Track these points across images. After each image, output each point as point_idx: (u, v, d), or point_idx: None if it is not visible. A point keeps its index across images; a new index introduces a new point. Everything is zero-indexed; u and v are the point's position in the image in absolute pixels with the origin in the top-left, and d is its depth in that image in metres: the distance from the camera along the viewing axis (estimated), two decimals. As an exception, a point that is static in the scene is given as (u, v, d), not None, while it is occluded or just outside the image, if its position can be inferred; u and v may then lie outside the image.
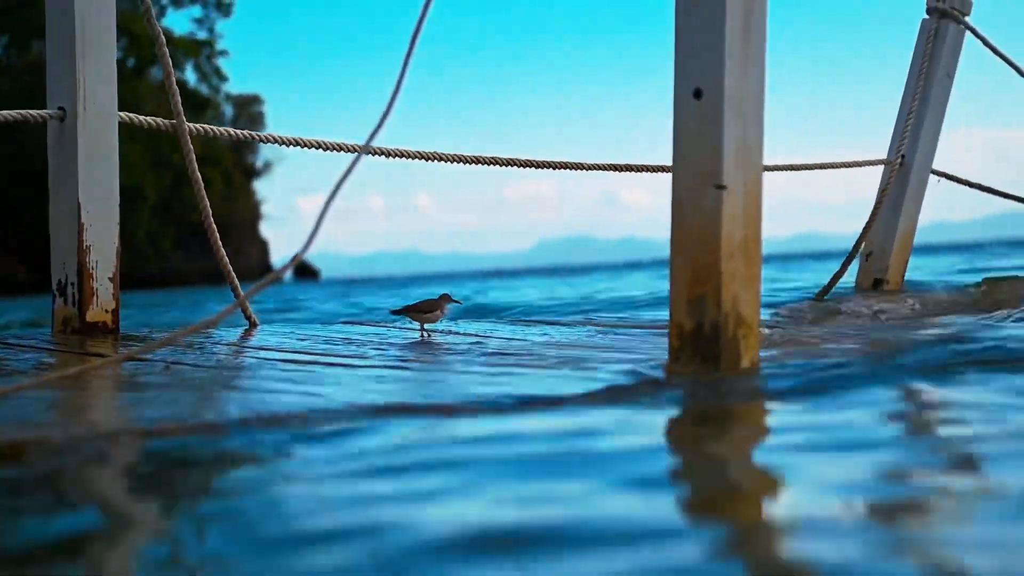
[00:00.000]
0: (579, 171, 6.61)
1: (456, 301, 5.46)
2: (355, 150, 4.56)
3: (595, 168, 6.59)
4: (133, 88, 70.67)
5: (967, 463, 2.64)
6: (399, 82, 3.57)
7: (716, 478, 2.55)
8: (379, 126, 3.52)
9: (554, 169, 6.42)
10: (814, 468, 2.55)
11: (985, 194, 8.93)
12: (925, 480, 2.47)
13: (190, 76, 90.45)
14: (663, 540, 1.99)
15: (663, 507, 2.27)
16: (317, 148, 5.58)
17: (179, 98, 5.40)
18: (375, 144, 5.43)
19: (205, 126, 5.52)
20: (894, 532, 2.05)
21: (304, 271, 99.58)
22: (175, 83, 5.39)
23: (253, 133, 5.65)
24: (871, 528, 2.08)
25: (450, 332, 5.61)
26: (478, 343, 5.20)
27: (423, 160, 5.95)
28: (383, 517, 2.17)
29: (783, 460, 2.66)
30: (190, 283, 69.70)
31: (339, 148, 5.49)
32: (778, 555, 1.94)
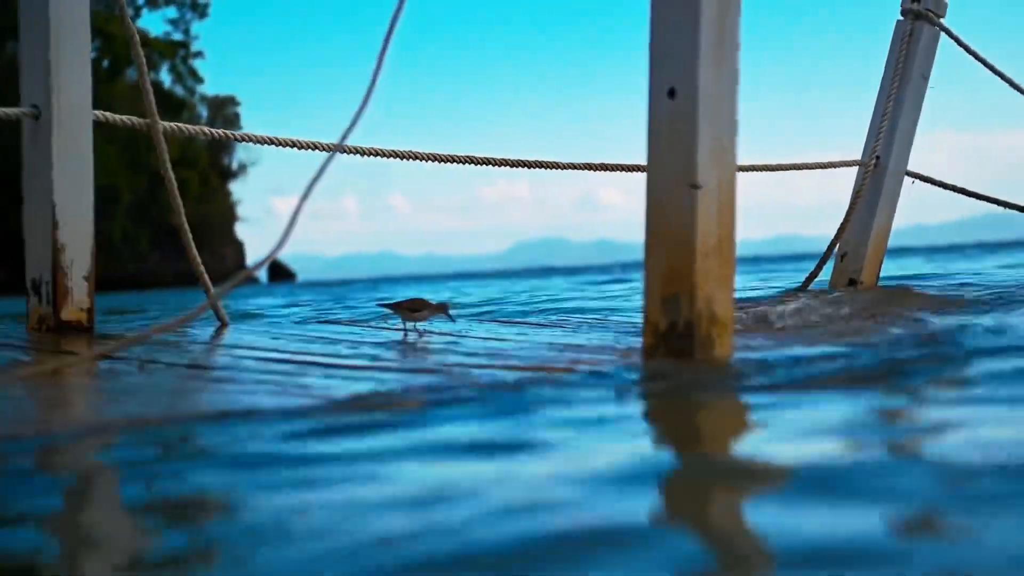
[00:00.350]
0: (555, 171, 6.61)
1: (451, 318, 5.45)
2: (329, 148, 4.56)
3: (570, 167, 6.60)
4: (108, 89, 70.53)
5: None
6: (373, 81, 3.57)
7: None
8: (352, 124, 3.52)
9: (529, 168, 6.42)
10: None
11: (962, 197, 8.96)
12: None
13: (165, 78, 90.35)
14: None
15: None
16: (291, 147, 5.58)
17: (152, 97, 5.39)
18: (349, 143, 5.45)
19: (179, 124, 5.51)
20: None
21: (280, 272, 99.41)
22: (149, 82, 5.38)
23: (227, 132, 5.64)
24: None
25: (426, 332, 5.60)
26: (453, 343, 5.20)
27: (398, 159, 5.94)
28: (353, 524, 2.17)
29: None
30: (166, 284, 69.59)
31: (313, 147, 5.49)
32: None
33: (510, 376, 3.92)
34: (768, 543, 1.87)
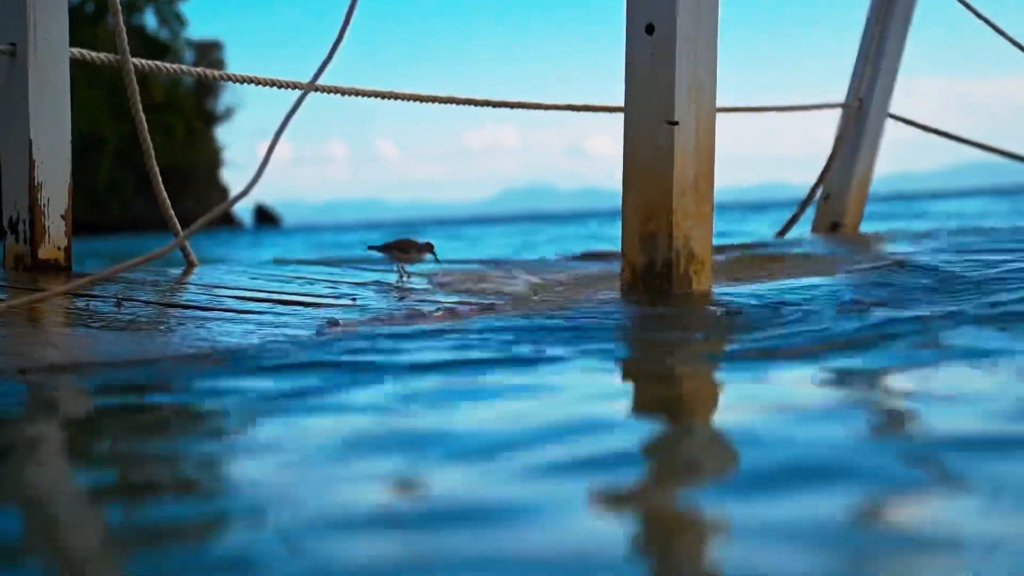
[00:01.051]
0: (543, 118, 6.61)
1: (435, 257, 5.38)
2: (306, 87, 4.52)
3: (552, 108, 6.55)
4: (92, 33, 70.03)
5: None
6: (347, 17, 3.54)
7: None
8: (326, 62, 3.50)
9: (511, 108, 6.37)
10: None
11: (947, 144, 8.95)
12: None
13: (150, 21, 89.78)
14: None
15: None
16: (270, 86, 5.53)
17: (124, 34, 5.33)
18: (329, 82, 5.40)
19: (151, 62, 5.44)
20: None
21: (265, 217, 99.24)
22: (120, 19, 5.32)
23: (204, 70, 5.59)
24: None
25: (406, 273, 5.59)
26: (431, 281, 5.21)
27: (379, 99, 5.89)
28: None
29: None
30: (151, 229, 69.39)
31: (292, 86, 5.43)
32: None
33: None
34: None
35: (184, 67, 5.56)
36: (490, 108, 6.35)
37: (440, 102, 6.11)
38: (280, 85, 5.47)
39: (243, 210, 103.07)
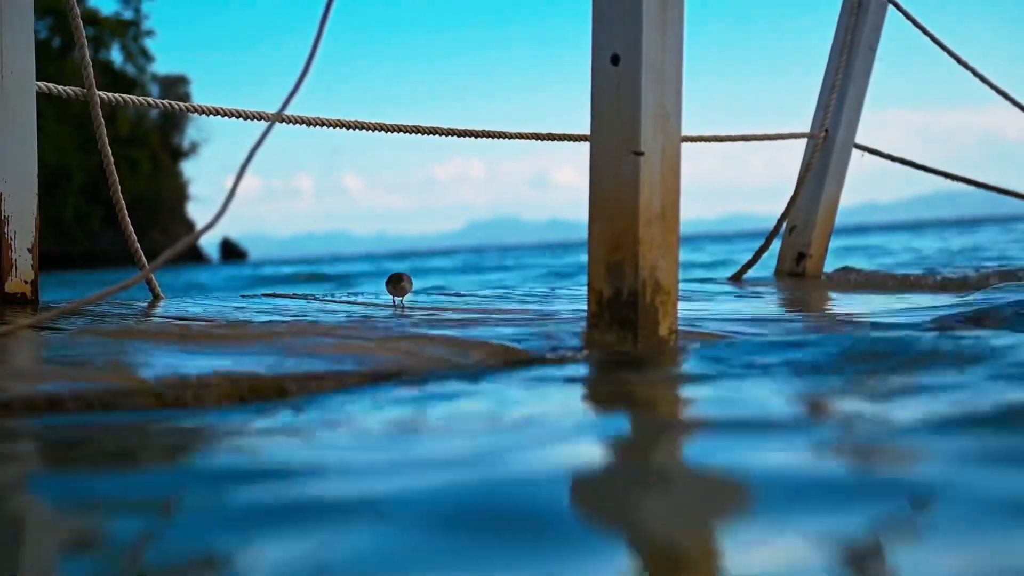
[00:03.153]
0: (508, 149, 6.65)
1: (404, 290, 5.38)
2: (272, 119, 4.51)
3: (517, 136, 6.56)
4: (59, 67, 69.90)
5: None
6: (314, 48, 3.53)
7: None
8: (292, 93, 3.48)
9: (476, 138, 6.39)
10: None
11: (913, 174, 9.00)
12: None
13: (116, 57, 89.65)
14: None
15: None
16: (235, 117, 5.52)
17: (91, 69, 5.33)
18: (295, 113, 5.39)
19: (118, 95, 5.44)
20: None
21: (231, 251, 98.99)
22: (87, 51, 5.31)
23: (170, 102, 5.58)
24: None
25: (373, 304, 5.58)
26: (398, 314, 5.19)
27: (345, 130, 5.91)
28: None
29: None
30: (119, 262, 69.17)
31: (257, 117, 5.43)
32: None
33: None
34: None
35: (150, 99, 5.56)
36: (457, 139, 6.35)
37: (406, 131, 6.12)
38: (246, 116, 5.47)
39: (209, 244, 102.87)
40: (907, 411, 2.58)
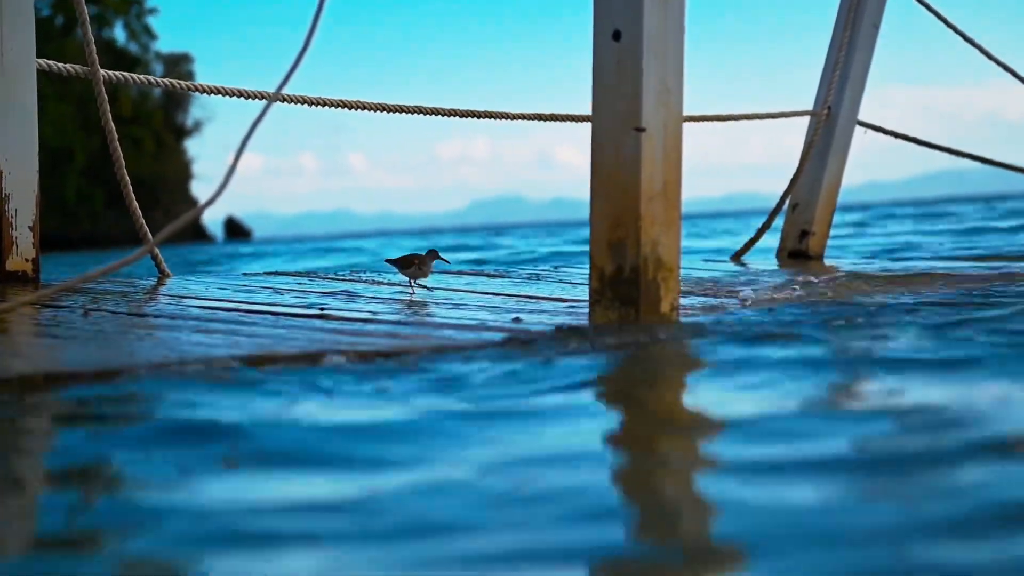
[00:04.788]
0: (513, 129, 6.61)
1: (444, 259, 5.26)
2: (272, 98, 4.49)
3: (519, 117, 6.56)
4: (60, 47, 69.64)
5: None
6: (312, 26, 3.53)
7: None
8: (292, 71, 3.48)
9: (479, 118, 6.37)
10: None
11: (917, 152, 9.00)
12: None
13: (120, 35, 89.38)
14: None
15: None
16: (235, 96, 5.51)
17: (93, 45, 5.32)
18: (298, 93, 5.39)
19: (120, 73, 5.43)
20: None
21: (236, 230, 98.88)
22: (89, 29, 5.30)
23: (172, 80, 5.57)
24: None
25: (375, 282, 5.58)
26: (400, 291, 5.20)
27: (348, 109, 5.89)
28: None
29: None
30: (122, 243, 69.08)
31: (257, 96, 5.42)
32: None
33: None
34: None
35: (152, 78, 5.55)
36: (459, 119, 6.34)
37: (409, 112, 6.11)
38: (245, 95, 5.46)
39: (213, 223, 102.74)
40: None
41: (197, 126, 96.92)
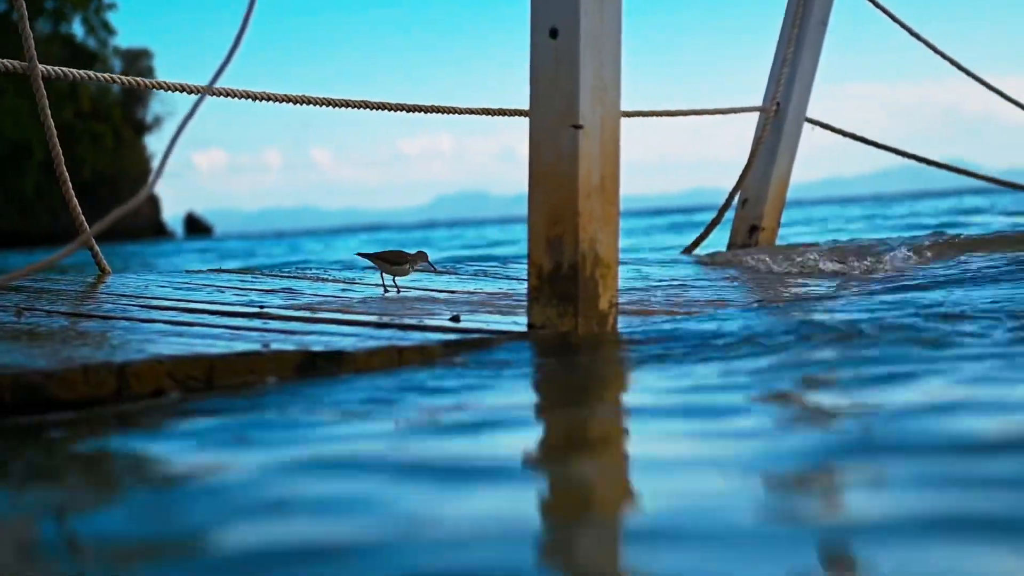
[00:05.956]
0: (472, 118, 6.58)
1: (432, 267, 5.17)
2: (200, 91, 4.45)
3: (479, 113, 6.56)
4: (15, 40, 69.31)
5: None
6: (246, 19, 3.50)
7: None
8: (224, 64, 3.46)
9: (442, 114, 6.35)
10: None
11: (875, 149, 9.04)
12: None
13: (78, 30, 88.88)
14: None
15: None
16: (165, 90, 5.47)
17: (32, 41, 5.27)
18: (261, 89, 5.36)
19: (60, 68, 5.38)
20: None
21: (196, 226, 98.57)
22: (27, 25, 5.25)
23: (112, 75, 5.53)
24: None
25: (319, 279, 5.55)
26: (344, 289, 5.18)
27: (309, 105, 5.84)
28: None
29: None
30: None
31: (183, 89, 5.37)
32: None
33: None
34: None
35: (93, 73, 5.50)
36: (422, 115, 6.31)
37: (372, 108, 6.06)
38: (174, 89, 5.41)
39: (174, 219, 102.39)
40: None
41: (157, 121, 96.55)
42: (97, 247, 5.60)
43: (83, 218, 5.49)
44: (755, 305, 4.83)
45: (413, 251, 5.09)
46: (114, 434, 2.61)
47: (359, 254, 5.24)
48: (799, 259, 6.83)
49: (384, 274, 5.15)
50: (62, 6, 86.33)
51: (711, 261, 7.19)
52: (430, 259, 5.15)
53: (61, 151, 5.33)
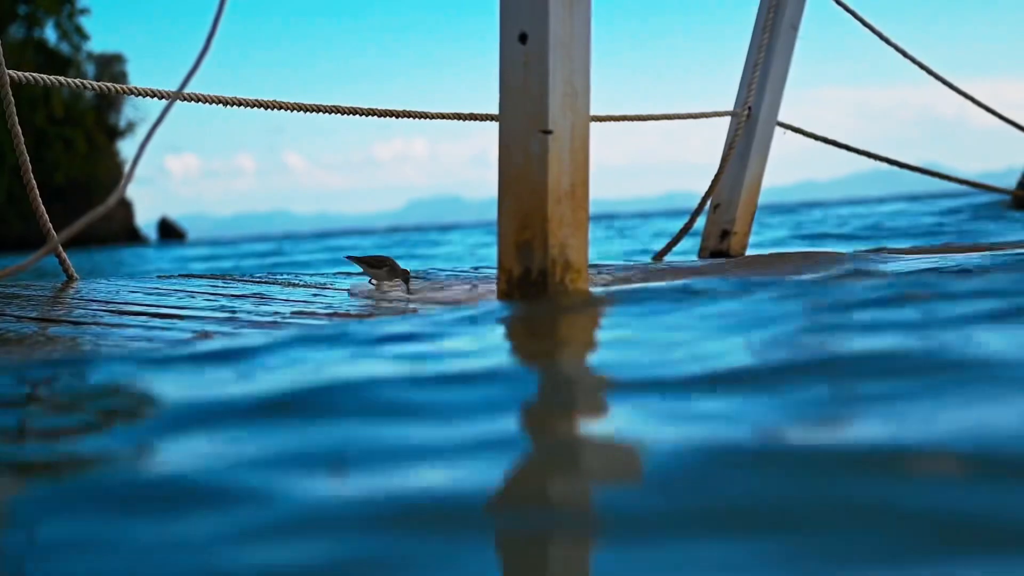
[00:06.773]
0: (445, 123, 6.58)
1: (408, 288, 5.11)
2: (169, 96, 4.45)
3: (451, 117, 6.55)
4: (-10, 46, 69.05)
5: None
6: (215, 23, 3.50)
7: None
8: (193, 70, 3.45)
9: (413, 119, 6.34)
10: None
11: (849, 153, 9.08)
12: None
13: (51, 35, 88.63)
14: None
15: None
16: (133, 95, 5.46)
17: (-1, 46, 5.25)
18: (234, 95, 5.35)
19: (29, 74, 5.36)
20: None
21: (169, 231, 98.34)
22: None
23: (81, 80, 5.49)
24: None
25: (290, 284, 5.54)
26: (315, 294, 5.17)
27: (282, 110, 5.82)
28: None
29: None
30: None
31: (154, 95, 5.36)
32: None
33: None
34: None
35: (61, 78, 5.47)
36: (395, 120, 6.30)
37: (343, 112, 6.06)
38: (145, 94, 5.39)
39: (147, 225, 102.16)
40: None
41: (130, 127, 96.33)
42: (64, 254, 5.57)
43: (50, 225, 5.46)
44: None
45: (401, 267, 5.12)
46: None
47: (347, 257, 5.38)
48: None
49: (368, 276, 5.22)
50: (35, 11, 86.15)
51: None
52: (411, 280, 5.12)
53: (29, 158, 5.30)
